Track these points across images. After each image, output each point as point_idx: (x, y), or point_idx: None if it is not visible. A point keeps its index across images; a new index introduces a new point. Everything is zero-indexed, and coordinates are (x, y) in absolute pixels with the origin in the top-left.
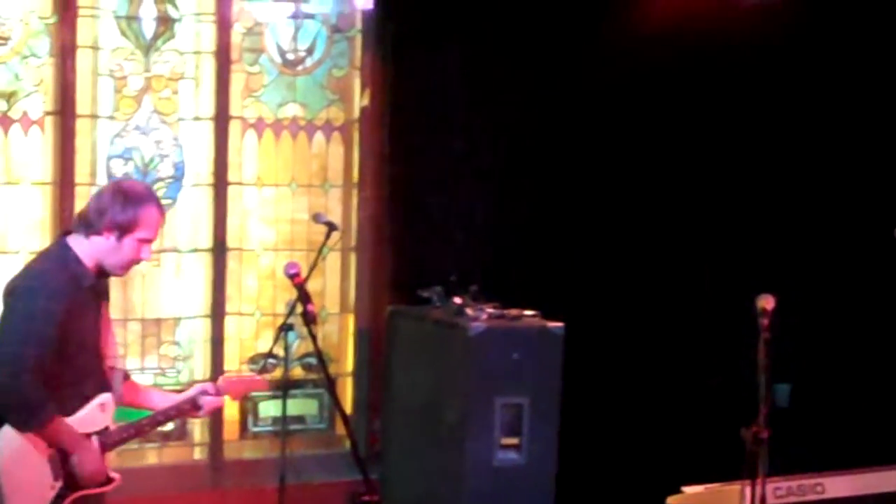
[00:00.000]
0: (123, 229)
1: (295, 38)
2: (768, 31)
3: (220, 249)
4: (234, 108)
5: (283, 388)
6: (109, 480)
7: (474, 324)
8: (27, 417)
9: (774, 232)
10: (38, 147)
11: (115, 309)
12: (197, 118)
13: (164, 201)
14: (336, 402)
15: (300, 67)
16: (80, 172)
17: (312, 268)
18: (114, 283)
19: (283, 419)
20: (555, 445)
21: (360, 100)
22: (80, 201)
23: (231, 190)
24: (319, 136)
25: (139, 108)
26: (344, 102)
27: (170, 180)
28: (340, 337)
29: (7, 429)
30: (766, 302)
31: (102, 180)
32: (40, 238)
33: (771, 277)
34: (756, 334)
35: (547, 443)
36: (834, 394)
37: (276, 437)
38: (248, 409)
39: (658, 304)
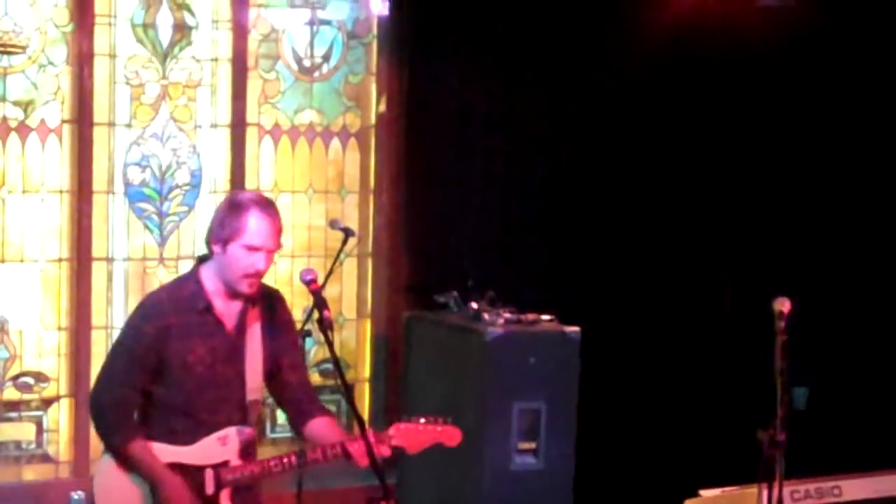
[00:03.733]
0: (226, 239)
1: (311, 45)
2: (785, 32)
3: None
4: (251, 115)
5: None
6: None
7: (491, 329)
8: (103, 437)
9: (793, 234)
10: (56, 155)
11: None
12: (214, 125)
13: (180, 209)
14: (353, 408)
15: (316, 74)
16: (98, 180)
17: (329, 274)
18: (131, 291)
19: None
20: (572, 449)
21: (376, 106)
22: (98, 209)
23: None
24: (336, 143)
25: (156, 116)
26: (360, 109)
27: (187, 188)
28: (358, 343)
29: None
30: (783, 305)
31: (119, 188)
32: (58, 247)
33: (789, 280)
34: (773, 337)
35: (564, 447)
36: (851, 396)
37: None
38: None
39: (675, 307)
